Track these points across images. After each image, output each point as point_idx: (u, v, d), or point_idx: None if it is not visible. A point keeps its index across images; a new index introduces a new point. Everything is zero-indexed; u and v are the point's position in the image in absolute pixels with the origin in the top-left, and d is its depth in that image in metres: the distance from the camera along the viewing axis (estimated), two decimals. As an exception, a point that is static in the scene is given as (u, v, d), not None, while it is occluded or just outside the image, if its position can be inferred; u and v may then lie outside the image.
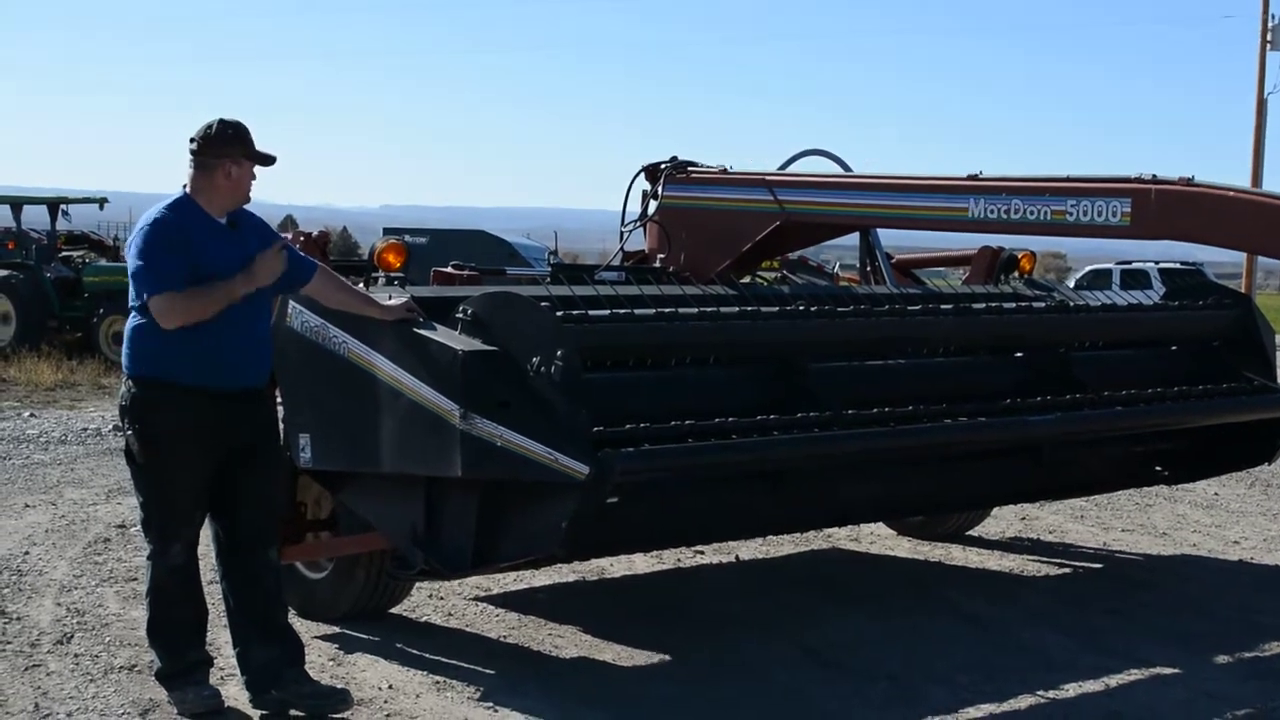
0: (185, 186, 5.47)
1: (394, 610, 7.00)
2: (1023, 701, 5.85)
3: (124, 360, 5.48)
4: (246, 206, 5.64)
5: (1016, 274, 8.48)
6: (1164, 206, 6.50)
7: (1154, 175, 6.59)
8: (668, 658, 6.45)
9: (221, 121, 5.45)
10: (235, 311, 5.43)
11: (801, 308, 6.42)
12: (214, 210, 5.45)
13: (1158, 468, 8.04)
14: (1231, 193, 6.41)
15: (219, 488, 5.56)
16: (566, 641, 6.69)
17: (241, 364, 5.51)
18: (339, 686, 5.77)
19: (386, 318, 5.70)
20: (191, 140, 5.45)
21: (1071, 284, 27.29)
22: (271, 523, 5.80)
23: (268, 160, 5.54)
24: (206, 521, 5.67)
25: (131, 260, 5.38)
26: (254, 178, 5.54)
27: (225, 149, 5.42)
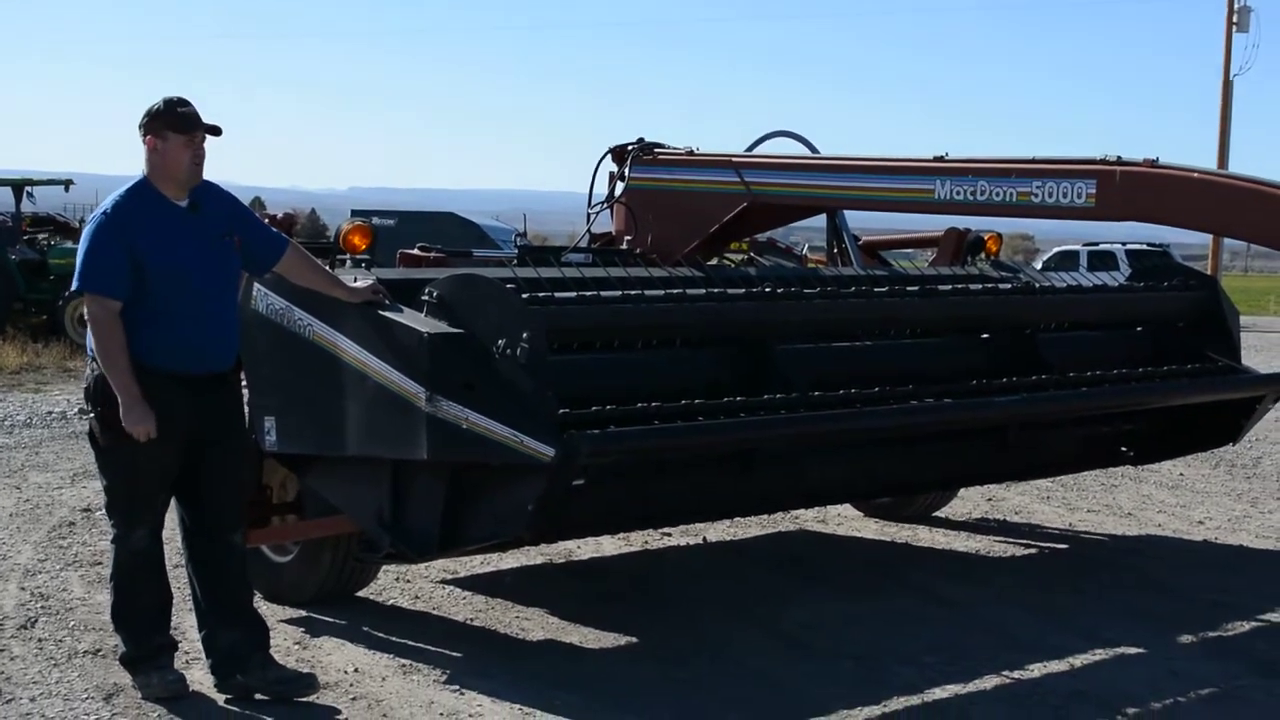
0: (143, 171, 5.47)
1: (361, 593, 6.98)
2: (989, 681, 5.88)
3: (88, 343, 5.45)
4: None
5: (983, 255, 8.50)
6: (1128, 188, 6.53)
7: (1119, 157, 6.61)
8: (635, 639, 6.45)
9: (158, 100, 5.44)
10: (201, 295, 5.42)
11: (768, 290, 6.42)
12: (167, 191, 5.42)
13: (1123, 448, 8.08)
14: (1195, 174, 6.44)
15: (184, 471, 5.53)
16: (533, 624, 6.68)
17: (207, 348, 5.48)
18: (305, 670, 5.75)
19: (352, 299, 5.68)
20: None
21: (1039, 265, 27.41)
22: (236, 506, 5.78)
23: (183, 126, 5.39)
24: (171, 505, 5.65)
25: (79, 248, 5.40)
26: (195, 152, 5.41)
27: (149, 126, 5.41)
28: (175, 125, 5.39)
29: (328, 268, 6.12)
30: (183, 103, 5.43)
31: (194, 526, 5.65)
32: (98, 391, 5.37)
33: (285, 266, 5.72)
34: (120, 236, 5.30)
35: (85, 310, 5.36)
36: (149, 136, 5.40)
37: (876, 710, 5.56)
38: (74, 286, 5.37)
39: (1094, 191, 6.62)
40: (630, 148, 8.55)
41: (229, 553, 5.67)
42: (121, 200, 5.40)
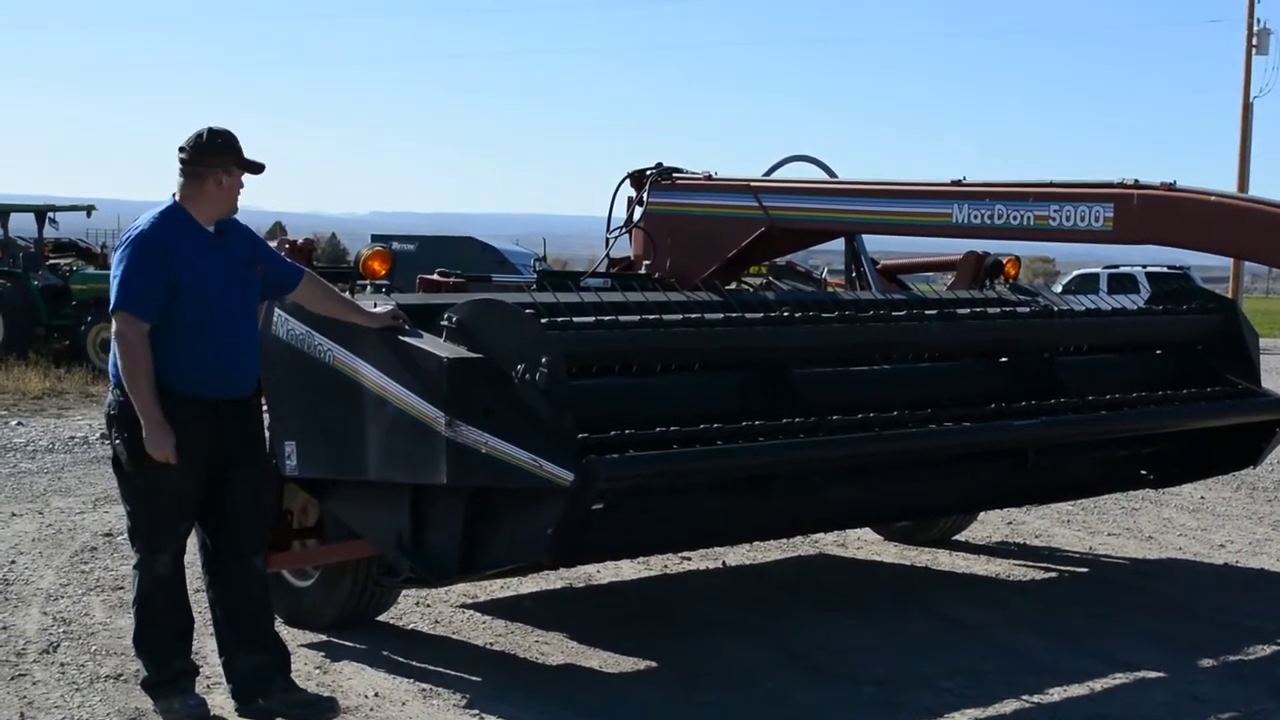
0: (175, 195, 5.48)
1: (381, 618, 7.00)
2: (1008, 706, 5.87)
3: (110, 369, 5.48)
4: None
5: (1001, 279, 8.50)
6: (1146, 211, 6.52)
7: (1136, 180, 6.61)
8: (654, 664, 6.46)
9: (211, 130, 5.47)
10: (227, 321, 5.45)
11: (786, 314, 6.43)
12: (203, 219, 5.47)
13: (1143, 471, 8.07)
14: (1213, 197, 6.43)
15: (206, 496, 5.55)
16: (553, 648, 6.69)
17: (228, 373, 5.50)
18: (325, 694, 5.77)
19: (372, 325, 5.71)
20: (181, 149, 5.46)
21: (1059, 288, 27.37)
22: (258, 531, 5.79)
23: (257, 168, 5.55)
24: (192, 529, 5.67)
25: (113, 268, 5.42)
26: (242, 186, 5.54)
27: (216, 158, 5.43)
28: (244, 164, 5.49)
29: (347, 293, 6.16)
30: (235, 138, 5.50)
31: (215, 551, 5.67)
32: (121, 417, 5.40)
33: (302, 295, 5.77)
34: (159, 259, 5.33)
35: (115, 329, 5.33)
36: (217, 169, 5.43)
37: (896, 734, 5.57)
38: (111, 305, 5.34)
39: (1111, 215, 6.61)
40: (649, 172, 8.56)
41: (251, 577, 5.69)
42: (158, 223, 5.42)
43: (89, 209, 23.82)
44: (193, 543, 5.69)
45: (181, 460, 5.34)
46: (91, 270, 21.44)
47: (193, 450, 5.38)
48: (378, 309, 5.79)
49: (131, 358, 5.28)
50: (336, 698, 5.74)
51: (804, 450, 5.95)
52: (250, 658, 5.62)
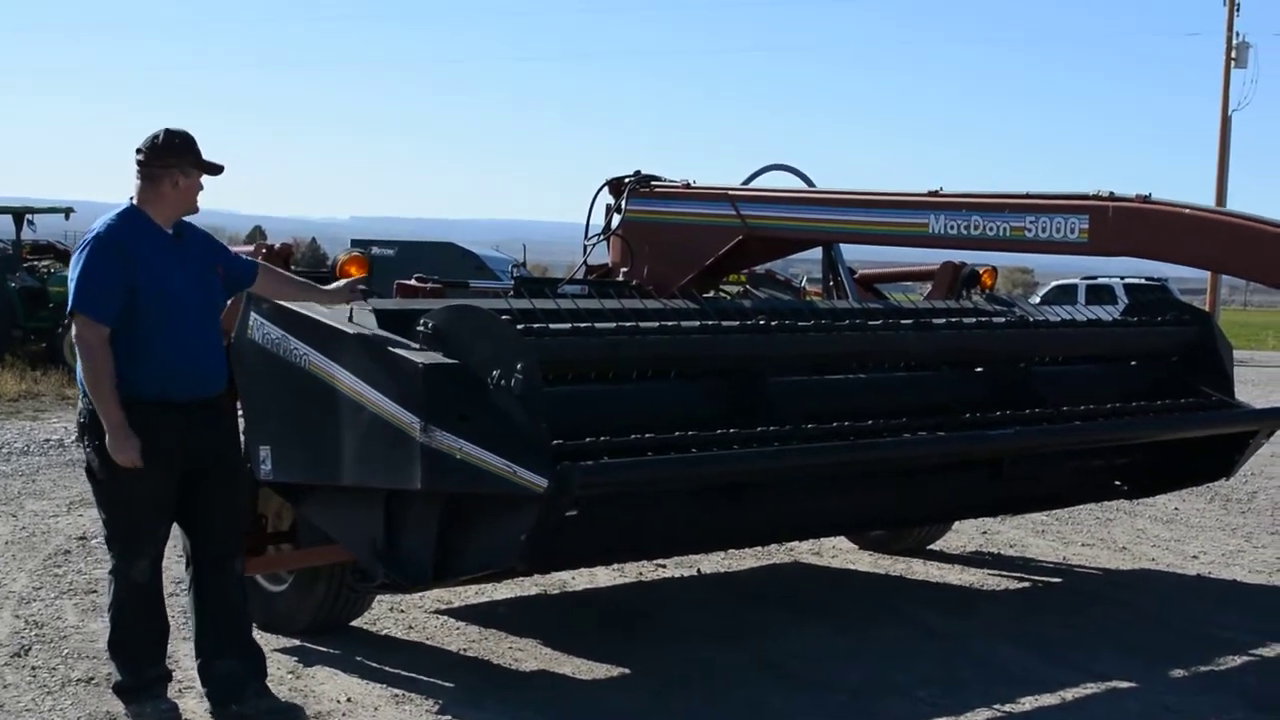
0: (132, 198, 5.47)
1: (354, 623, 6.99)
2: (980, 715, 5.88)
3: (79, 376, 5.45)
4: (210, 218, 5.65)
5: (978, 289, 8.53)
6: (1121, 223, 6.56)
7: (1111, 193, 6.65)
8: (628, 670, 6.46)
9: (168, 131, 5.45)
10: (190, 322, 5.43)
11: (762, 322, 6.44)
12: (161, 220, 5.45)
13: (1117, 482, 8.10)
14: (1186, 210, 6.47)
15: (182, 500, 5.53)
16: (527, 654, 6.69)
17: (194, 373, 5.47)
18: (294, 702, 5.75)
19: (333, 302, 5.80)
20: (138, 151, 5.45)
21: (1037, 299, 27.42)
22: (235, 535, 5.79)
23: (215, 169, 5.52)
24: (173, 534, 5.64)
25: (70, 270, 5.41)
26: (201, 188, 5.53)
27: (173, 159, 5.42)
28: (202, 165, 5.47)
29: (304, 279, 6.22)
30: (193, 139, 5.49)
31: (193, 555, 5.66)
32: (92, 425, 5.36)
33: (261, 286, 5.81)
34: (117, 261, 5.31)
35: (75, 332, 5.31)
36: (174, 170, 5.41)
37: (868, 743, 5.58)
38: (69, 307, 5.33)
39: (1087, 227, 6.65)
40: (627, 180, 8.57)
41: (229, 581, 5.68)
42: (115, 224, 5.40)
43: (67, 211, 23.72)
44: (170, 547, 5.67)
45: (154, 465, 5.32)
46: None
47: (165, 454, 5.36)
48: (333, 285, 5.88)
49: (92, 361, 5.26)
50: (308, 703, 5.75)
51: (779, 458, 5.96)
52: (226, 662, 5.60)
